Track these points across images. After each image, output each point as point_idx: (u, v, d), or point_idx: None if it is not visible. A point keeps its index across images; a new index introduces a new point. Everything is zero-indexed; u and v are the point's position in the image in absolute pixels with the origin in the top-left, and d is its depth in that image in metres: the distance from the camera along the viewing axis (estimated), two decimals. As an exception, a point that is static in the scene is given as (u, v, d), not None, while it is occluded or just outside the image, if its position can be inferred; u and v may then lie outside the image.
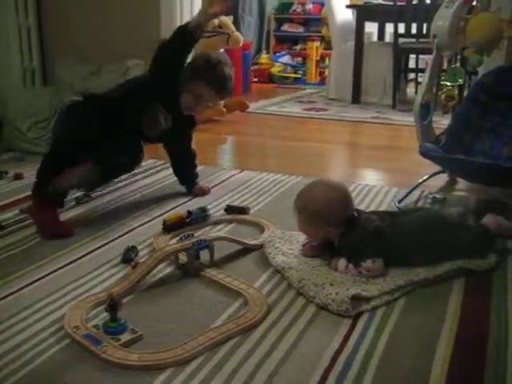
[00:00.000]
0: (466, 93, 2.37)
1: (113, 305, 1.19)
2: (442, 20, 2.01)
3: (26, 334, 1.19)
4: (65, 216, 1.92)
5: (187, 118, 2.07)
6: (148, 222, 1.88)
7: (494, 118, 2.14)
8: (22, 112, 2.94)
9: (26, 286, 1.42)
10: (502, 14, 1.96)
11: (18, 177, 2.38)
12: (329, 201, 1.47)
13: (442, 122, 2.48)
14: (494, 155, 2.05)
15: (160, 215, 1.94)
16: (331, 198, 1.48)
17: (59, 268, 1.52)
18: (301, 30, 7.05)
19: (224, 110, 3.91)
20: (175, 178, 2.30)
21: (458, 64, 2.21)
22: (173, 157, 2.23)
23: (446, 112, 2.20)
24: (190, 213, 1.81)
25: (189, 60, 2.00)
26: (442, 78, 2.13)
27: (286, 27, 7.12)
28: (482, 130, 2.14)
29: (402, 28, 4.26)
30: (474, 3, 2.06)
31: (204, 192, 2.19)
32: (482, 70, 2.29)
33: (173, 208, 2.02)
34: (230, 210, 1.97)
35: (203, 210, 1.86)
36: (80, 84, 3.08)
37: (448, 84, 2.10)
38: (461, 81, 2.09)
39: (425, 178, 2.30)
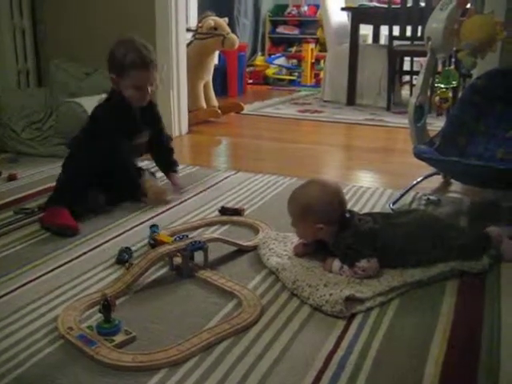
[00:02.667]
0: (460, 95, 2.38)
1: (106, 306, 1.19)
2: (436, 22, 2.02)
3: (19, 336, 1.19)
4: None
5: (147, 108, 2.11)
6: (142, 223, 1.88)
7: (488, 121, 2.14)
8: (17, 113, 2.94)
9: (19, 287, 1.41)
10: (495, 17, 1.96)
11: (11, 178, 2.37)
12: (322, 197, 1.48)
13: (436, 125, 2.49)
14: (487, 157, 2.06)
15: (154, 216, 1.94)
16: (324, 194, 1.49)
17: (53, 269, 1.52)
18: (296, 32, 7.05)
19: (219, 111, 3.91)
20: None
21: (452, 66, 2.22)
22: (152, 147, 2.27)
23: (440, 114, 2.21)
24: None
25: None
26: (436, 80, 2.14)
27: (281, 29, 7.13)
28: (476, 132, 2.14)
29: (396, 30, 4.27)
30: (468, 6, 2.08)
31: (177, 184, 2.24)
32: (476, 73, 2.30)
33: (167, 209, 2.02)
34: (224, 211, 1.97)
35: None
36: (74, 85, 3.08)
37: (442, 86, 2.10)
38: (455, 83, 2.10)
39: (419, 179, 2.30)
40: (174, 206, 2.06)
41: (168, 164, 2.30)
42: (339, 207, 1.50)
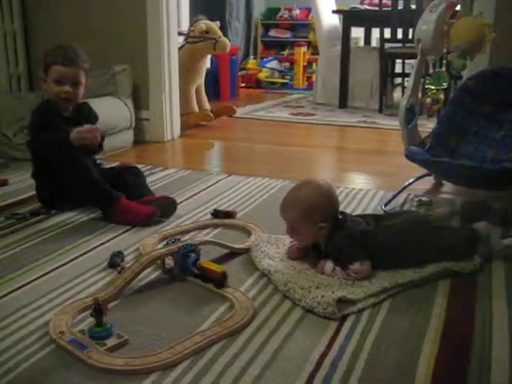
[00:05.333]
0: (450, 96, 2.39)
1: (98, 310, 1.18)
2: (426, 24, 2.03)
3: (10, 341, 1.18)
4: (51, 222, 1.91)
5: (78, 109, 2.09)
6: (134, 227, 1.87)
7: (479, 122, 2.15)
8: (8, 118, 2.93)
9: (11, 292, 1.40)
10: (484, 19, 1.98)
11: (2, 183, 2.36)
12: (319, 195, 1.49)
13: (427, 126, 2.50)
14: (478, 158, 2.07)
15: (141, 221, 1.93)
16: (320, 192, 1.49)
17: (45, 274, 1.51)
18: (288, 35, 7.08)
19: (211, 115, 3.92)
20: (161, 183, 2.31)
21: (443, 68, 2.23)
22: None
23: (431, 116, 2.22)
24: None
25: None
26: (427, 81, 2.15)
27: (273, 33, 7.15)
28: (467, 133, 2.15)
29: (387, 33, 4.29)
30: (458, 8, 2.09)
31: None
32: (466, 74, 2.31)
33: (160, 213, 2.01)
34: (216, 214, 1.97)
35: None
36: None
37: (433, 88, 2.11)
38: (445, 85, 2.11)
39: (411, 180, 2.31)
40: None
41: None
42: (334, 204, 1.51)
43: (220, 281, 1.41)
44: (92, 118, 2.12)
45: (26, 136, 2.87)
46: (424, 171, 2.28)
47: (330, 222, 1.48)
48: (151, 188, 2.18)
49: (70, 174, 1.92)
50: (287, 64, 6.80)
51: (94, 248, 1.70)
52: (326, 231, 1.48)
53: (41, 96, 3.11)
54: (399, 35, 4.26)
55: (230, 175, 2.53)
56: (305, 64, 6.36)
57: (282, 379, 1.05)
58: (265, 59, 6.82)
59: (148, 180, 2.35)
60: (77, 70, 2.01)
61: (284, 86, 6.34)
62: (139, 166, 2.45)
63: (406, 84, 4.45)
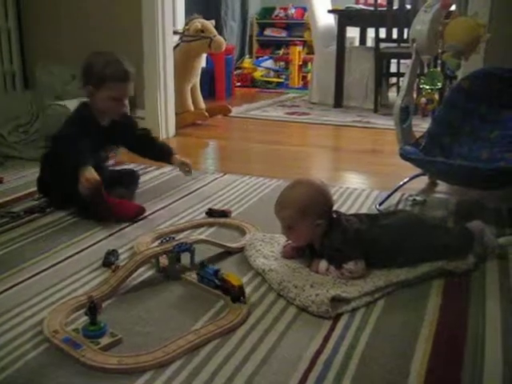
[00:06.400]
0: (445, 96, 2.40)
1: (92, 308, 1.18)
2: (421, 24, 2.03)
3: (3, 340, 1.17)
4: (45, 220, 1.91)
5: (118, 121, 2.07)
6: (129, 225, 1.87)
7: (473, 122, 2.16)
8: (3, 116, 2.92)
9: (5, 290, 1.40)
10: (479, 19, 1.98)
11: (-3, 181, 2.36)
12: (314, 192, 1.49)
13: (422, 126, 2.51)
14: (473, 158, 2.07)
15: (141, 220, 1.93)
16: (315, 189, 1.50)
17: (39, 272, 1.51)
18: (283, 34, 7.07)
19: (206, 114, 3.91)
20: (156, 182, 2.30)
21: (438, 68, 2.24)
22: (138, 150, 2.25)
23: (426, 115, 2.22)
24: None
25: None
26: (422, 81, 2.15)
27: (268, 32, 7.14)
28: (462, 132, 2.16)
29: (383, 33, 4.29)
30: (452, 8, 2.09)
31: (188, 166, 2.23)
32: (460, 74, 2.32)
33: (154, 212, 2.01)
34: (211, 213, 1.97)
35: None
36: (60, 88, 3.07)
37: (427, 87, 2.12)
38: (440, 84, 2.11)
39: (405, 180, 2.32)
40: (161, 208, 2.05)
41: (161, 151, 2.26)
42: (330, 200, 1.52)
43: (236, 295, 1.32)
44: (129, 126, 2.15)
45: (20, 134, 2.88)
46: (418, 171, 2.28)
47: (325, 219, 1.48)
48: (146, 187, 2.20)
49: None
50: (282, 63, 6.80)
51: (89, 246, 1.69)
52: (321, 229, 1.48)
53: (35, 95, 3.11)
54: (394, 35, 4.26)
55: (224, 174, 2.53)
56: (300, 63, 6.36)
57: (276, 378, 1.06)
58: (260, 58, 6.81)
59: (142, 179, 2.36)
60: (131, 84, 1.99)
61: (279, 85, 6.33)
62: (133, 165, 2.46)
63: (400, 84, 4.46)
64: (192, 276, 1.47)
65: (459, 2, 2.08)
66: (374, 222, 1.58)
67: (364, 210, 2.03)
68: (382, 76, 4.61)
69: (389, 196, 2.16)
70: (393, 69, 4.84)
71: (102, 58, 1.97)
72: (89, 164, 1.86)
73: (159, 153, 2.25)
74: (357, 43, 5.52)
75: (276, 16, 7.10)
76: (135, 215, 1.93)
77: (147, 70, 3.23)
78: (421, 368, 1.09)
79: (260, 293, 1.40)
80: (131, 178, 2.24)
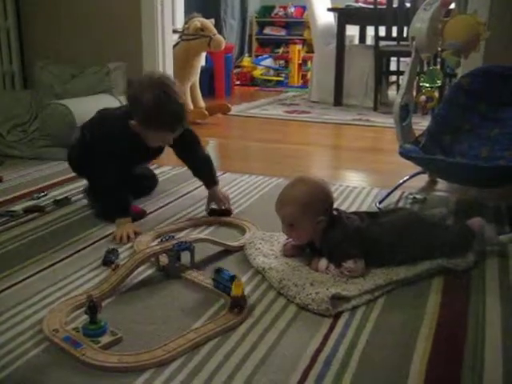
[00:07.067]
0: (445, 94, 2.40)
1: (92, 307, 1.18)
2: (420, 22, 2.03)
3: (4, 338, 1.17)
4: (45, 219, 1.91)
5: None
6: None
7: (473, 119, 2.16)
8: (2, 115, 2.92)
9: (5, 289, 1.40)
10: (478, 17, 1.98)
11: (-3, 180, 2.36)
12: (315, 189, 1.50)
13: (421, 124, 2.51)
14: (472, 156, 2.07)
15: (136, 220, 1.93)
16: (315, 186, 1.51)
17: (39, 271, 1.50)
18: (283, 33, 7.07)
19: (206, 112, 3.91)
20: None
21: (437, 66, 2.24)
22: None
23: (426, 113, 2.22)
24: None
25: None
26: (421, 79, 2.15)
27: (268, 30, 7.14)
28: (461, 130, 2.16)
29: (382, 31, 4.29)
30: (452, 6, 2.09)
31: (220, 201, 1.97)
32: (460, 72, 2.32)
33: (155, 210, 2.01)
34: (212, 211, 1.97)
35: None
36: (60, 87, 3.06)
37: (427, 85, 2.12)
38: (439, 82, 2.11)
39: (405, 178, 2.32)
40: (160, 208, 2.05)
41: (205, 176, 2.05)
42: (330, 197, 1.52)
43: (232, 304, 1.28)
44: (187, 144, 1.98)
45: (19, 133, 2.88)
46: (418, 169, 2.28)
47: (326, 216, 1.48)
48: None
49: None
50: (282, 62, 6.80)
51: (89, 245, 1.69)
52: (322, 226, 1.48)
53: (35, 94, 3.09)
54: (394, 33, 4.27)
55: (224, 173, 2.53)
56: (300, 62, 6.37)
57: (276, 376, 1.06)
58: (260, 57, 6.81)
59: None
60: (180, 129, 1.82)
61: (279, 83, 6.34)
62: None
63: (400, 82, 4.46)
64: (192, 274, 1.47)
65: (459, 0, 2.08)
66: (375, 219, 1.58)
67: (364, 208, 2.03)
68: (381, 74, 4.62)
69: (389, 194, 2.16)
70: (392, 67, 4.84)
71: (152, 95, 1.69)
72: (128, 215, 1.82)
73: (201, 177, 2.06)
74: (356, 41, 5.52)
75: (275, 14, 7.10)
76: (136, 216, 1.91)
77: (147, 69, 3.23)
78: (421, 366, 1.09)
79: (260, 291, 1.40)
80: (152, 183, 2.24)
